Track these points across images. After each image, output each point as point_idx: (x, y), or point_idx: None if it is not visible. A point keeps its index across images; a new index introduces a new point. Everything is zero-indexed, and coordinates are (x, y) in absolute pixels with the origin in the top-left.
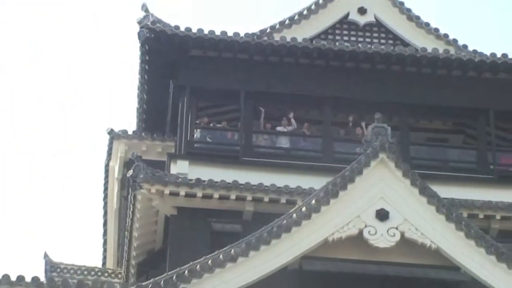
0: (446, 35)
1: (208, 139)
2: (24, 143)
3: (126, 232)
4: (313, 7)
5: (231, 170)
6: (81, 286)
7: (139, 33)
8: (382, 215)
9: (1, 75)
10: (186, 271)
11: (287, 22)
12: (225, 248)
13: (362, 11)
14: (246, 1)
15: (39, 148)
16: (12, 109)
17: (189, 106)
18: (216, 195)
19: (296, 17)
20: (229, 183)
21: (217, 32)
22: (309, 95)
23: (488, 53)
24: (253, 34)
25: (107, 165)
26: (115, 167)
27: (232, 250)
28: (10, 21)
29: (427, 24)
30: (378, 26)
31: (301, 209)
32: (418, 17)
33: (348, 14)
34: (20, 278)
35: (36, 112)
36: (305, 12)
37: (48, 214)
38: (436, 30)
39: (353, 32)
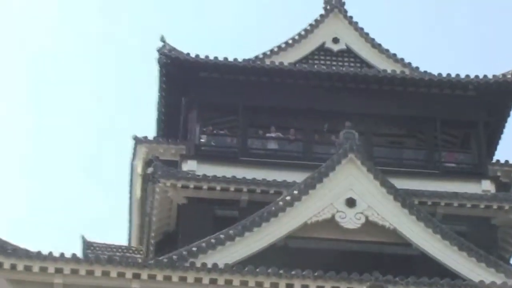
0: (402, 59)
1: (212, 143)
2: (71, 146)
3: (146, 217)
4: (296, 37)
5: (231, 167)
6: (111, 261)
7: (158, 59)
8: (351, 202)
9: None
10: (195, 248)
11: (275, 49)
12: (225, 230)
13: (335, 40)
14: (246, 31)
15: (81, 152)
16: (64, 115)
17: (197, 117)
18: (218, 188)
19: (283, 45)
20: (228, 178)
21: (220, 58)
22: (293, 107)
23: (435, 73)
24: (249, 59)
25: (132, 164)
26: (138, 165)
27: (231, 231)
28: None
29: (387, 50)
30: (348, 52)
31: (286, 198)
32: (380, 45)
33: (324, 43)
34: (62, 255)
35: (83, 124)
36: (290, 41)
37: (86, 203)
38: (394, 55)
39: (328, 57)
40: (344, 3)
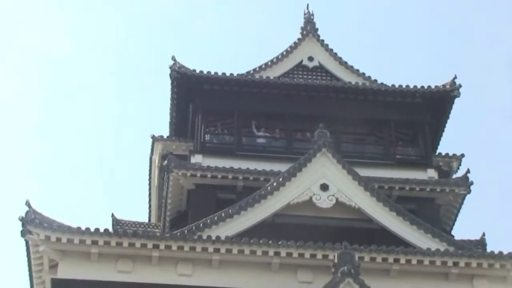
0: (363, 73)
1: (214, 141)
2: (101, 147)
3: (163, 200)
4: (279, 56)
5: (229, 160)
6: (135, 234)
7: (170, 74)
8: (324, 187)
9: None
10: (201, 224)
11: (263, 66)
12: (225, 209)
13: (310, 59)
14: (241, 50)
15: (112, 148)
16: (97, 120)
17: (201, 120)
18: (219, 176)
19: (269, 63)
20: (227, 168)
21: (219, 73)
22: (278, 112)
23: (390, 84)
24: (242, 74)
25: (151, 158)
26: (156, 159)
27: (230, 210)
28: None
29: (352, 66)
30: (321, 68)
31: (273, 184)
32: (346, 62)
33: (302, 61)
34: (97, 230)
35: (110, 127)
36: (274, 60)
37: (115, 189)
38: (357, 70)
39: (305, 73)
40: (317, 29)
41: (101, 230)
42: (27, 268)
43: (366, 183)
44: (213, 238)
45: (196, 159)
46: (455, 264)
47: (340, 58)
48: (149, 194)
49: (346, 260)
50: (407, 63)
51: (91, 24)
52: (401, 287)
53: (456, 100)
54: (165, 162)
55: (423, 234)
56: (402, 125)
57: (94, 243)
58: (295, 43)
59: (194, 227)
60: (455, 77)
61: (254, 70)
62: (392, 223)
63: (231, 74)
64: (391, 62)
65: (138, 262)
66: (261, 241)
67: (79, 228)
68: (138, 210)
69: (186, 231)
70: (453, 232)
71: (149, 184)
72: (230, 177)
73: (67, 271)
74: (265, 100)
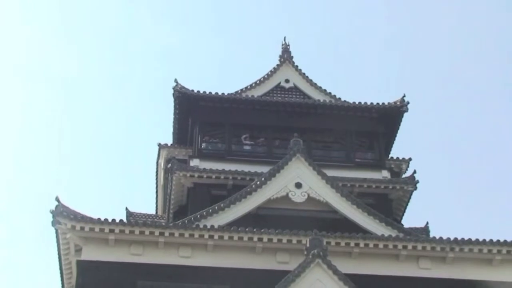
0: (330, 92)
1: (209, 148)
2: (117, 152)
3: (167, 196)
4: (262, 79)
5: (221, 163)
6: (145, 224)
7: (173, 93)
8: (298, 185)
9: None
10: (198, 215)
11: (248, 86)
12: (218, 203)
13: (287, 81)
14: (230, 72)
15: (127, 154)
16: (116, 132)
17: (199, 130)
18: (213, 176)
19: (254, 84)
20: (220, 170)
21: (213, 92)
22: (261, 124)
23: (351, 101)
24: (232, 93)
25: (157, 161)
26: (161, 162)
27: (222, 204)
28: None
29: (320, 87)
30: (295, 89)
31: (257, 183)
32: (315, 83)
33: (280, 83)
34: (113, 220)
35: (125, 137)
36: (258, 82)
37: (128, 186)
38: (325, 90)
39: (282, 92)
40: (292, 57)
41: (117, 220)
42: (56, 252)
43: (332, 182)
44: (208, 227)
45: (194, 162)
46: (404, 247)
47: (311, 80)
48: (156, 191)
49: (316, 244)
50: (364, 82)
51: (107, 53)
52: (361, 266)
53: (405, 114)
54: (169, 165)
55: (378, 223)
56: (361, 134)
57: (111, 231)
58: (274, 68)
59: (192, 218)
60: (404, 96)
61: (241, 90)
62: (353, 214)
63: (223, 93)
64: (352, 81)
65: (147, 246)
66: (247, 229)
67: (99, 219)
68: (147, 204)
69: (186, 221)
70: (402, 221)
71: (156, 183)
72: (222, 177)
73: (90, 254)
74: (250, 114)
